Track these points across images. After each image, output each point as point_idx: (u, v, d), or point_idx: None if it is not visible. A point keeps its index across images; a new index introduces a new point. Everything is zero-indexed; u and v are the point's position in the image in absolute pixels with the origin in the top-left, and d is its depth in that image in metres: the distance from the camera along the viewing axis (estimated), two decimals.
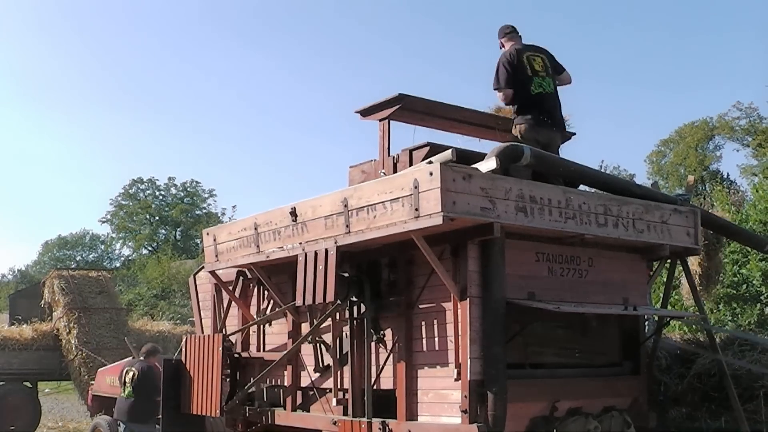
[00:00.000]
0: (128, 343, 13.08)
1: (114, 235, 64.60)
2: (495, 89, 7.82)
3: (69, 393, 22.14)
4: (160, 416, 9.41)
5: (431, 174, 5.94)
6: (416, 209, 6.04)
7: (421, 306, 6.76)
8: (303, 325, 7.98)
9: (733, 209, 15.06)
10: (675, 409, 8.00)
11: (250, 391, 8.48)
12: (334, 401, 7.38)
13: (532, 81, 7.73)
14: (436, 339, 6.57)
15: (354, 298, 7.12)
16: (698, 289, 9.12)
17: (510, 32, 8.04)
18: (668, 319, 8.44)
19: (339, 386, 7.40)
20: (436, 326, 6.59)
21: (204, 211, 60.66)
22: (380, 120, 7.87)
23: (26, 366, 17.06)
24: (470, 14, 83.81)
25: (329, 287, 6.83)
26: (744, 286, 13.61)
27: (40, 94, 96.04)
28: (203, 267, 9.37)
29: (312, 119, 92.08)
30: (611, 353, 7.58)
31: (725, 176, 39.91)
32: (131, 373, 10.83)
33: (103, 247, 68.48)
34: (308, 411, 7.91)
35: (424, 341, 6.69)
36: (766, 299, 13.43)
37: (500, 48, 8.07)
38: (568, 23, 76.35)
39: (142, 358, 11.07)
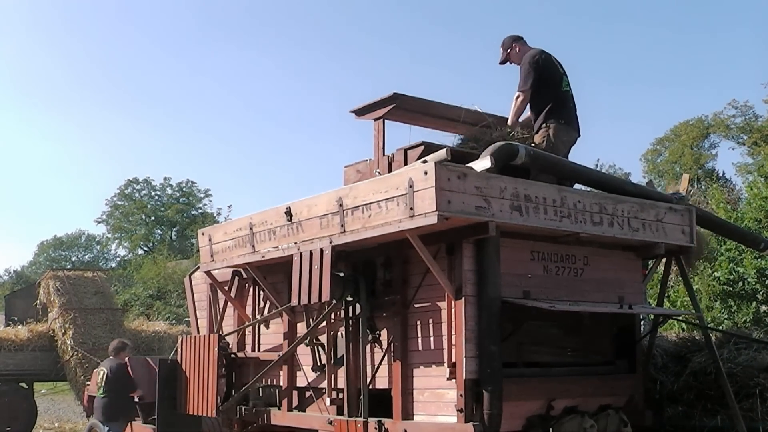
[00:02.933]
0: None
1: (110, 236, 64.46)
2: (522, 90, 7.67)
3: (65, 394, 22.08)
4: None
5: (426, 173, 5.95)
6: (411, 208, 6.04)
7: (416, 305, 6.76)
8: (299, 325, 7.98)
9: (729, 207, 15.07)
10: (671, 407, 8.00)
11: (246, 391, 8.47)
12: (328, 401, 7.39)
13: (562, 79, 7.78)
14: (432, 338, 6.58)
15: (349, 298, 7.12)
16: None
17: (522, 38, 8.00)
18: (662, 318, 8.43)
19: (333, 386, 7.40)
20: (431, 325, 6.59)
21: (200, 211, 60.54)
22: (375, 119, 7.88)
23: (22, 367, 17.00)
24: (465, 13, 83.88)
25: (324, 287, 6.83)
26: (739, 284, 13.60)
27: (36, 93, 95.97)
28: (199, 267, 9.37)
29: (307, 119, 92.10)
30: (607, 352, 7.59)
31: (721, 174, 39.93)
32: (101, 373, 10.83)
33: (98, 247, 68.37)
34: (304, 411, 7.90)
35: (420, 340, 6.70)
36: (762, 297, 13.43)
37: (506, 59, 8.02)
38: (562, 20, 76.44)
39: (111, 356, 11.08)
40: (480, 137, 7.45)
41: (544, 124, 7.62)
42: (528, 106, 7.81)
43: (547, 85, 7.68)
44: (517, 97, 7.73)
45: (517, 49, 7.94)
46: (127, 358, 10.86)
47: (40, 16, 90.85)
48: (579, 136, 7.95)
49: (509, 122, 7.76)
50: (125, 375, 10.59)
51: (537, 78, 7.63)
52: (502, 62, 8.08)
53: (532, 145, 7.39)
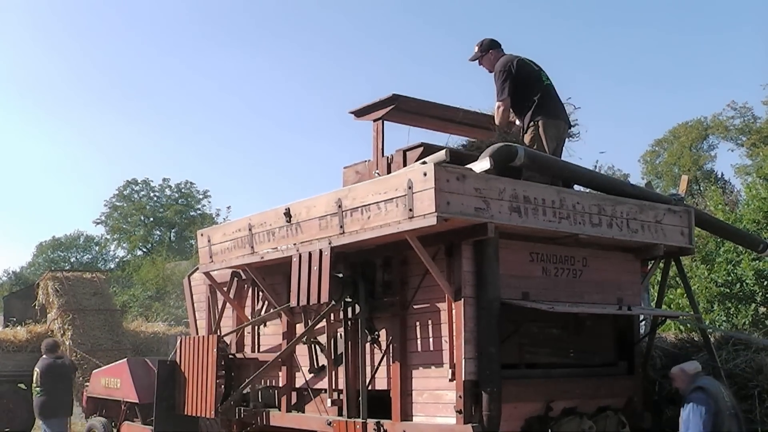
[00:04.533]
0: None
1: (108, 237, 64.29)
2: (501, 100, 7.68)
3: None
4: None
5: (425, 174, 5.95)
6: (410, 210, 6.04)
7: (415, 306, 6.76)
8: (298, 325, 7.98)
9: (727, 209, 15.10)
10: (670, 408, 7.99)
11: (244, 392, 8.47)
12: (328, 402, 7.39)
13: (540, 74, 7.78)
14: (431, 339, 6.58)
15: (348, 299, 7.12)
16: None
17: (499, 45, 7.98)
18: (662, 319, 8.43)
19: (333, 387, 7.40)
20: (430, 326, 6.59)
21: (198, 212, 60.42)
22: (374, 120, 7.89)
23: (21, 368, 16.96)
24: (464, 14, 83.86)
25: (323, 288, 6.83)
26: (738, 286, 13.62)
27: (34, 95, 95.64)
28: (198, 268, 9.37)
29: (306, 120, 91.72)
30: (606, 353, 7.59)
31: (719, 176, 39.95)
32: (36, 373, 11.28)
33: (97, 248, 68.18)
34: (303, 412, 7.90)
35: (419, 341, 6.70)
36: (761, 299, 13.44)
37: (478, 58, 7.99)
38: (561, 22, 76.37)
39: (45, 355, 11.47)
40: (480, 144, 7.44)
41: (531, 123, 7.63)
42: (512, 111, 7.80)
43: (526, 86, 7.69)
44: (498, 107, 7.74)
45: (492, 55, 7.92)
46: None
47: (38, 17, 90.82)
48: (570, 126, 7.94)
49: (497, 131, 7.67)
50: (56, 370, 11.16)
51: (513, 83, 7.64)
52: (473, 60, 8.04)
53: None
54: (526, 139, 7.58)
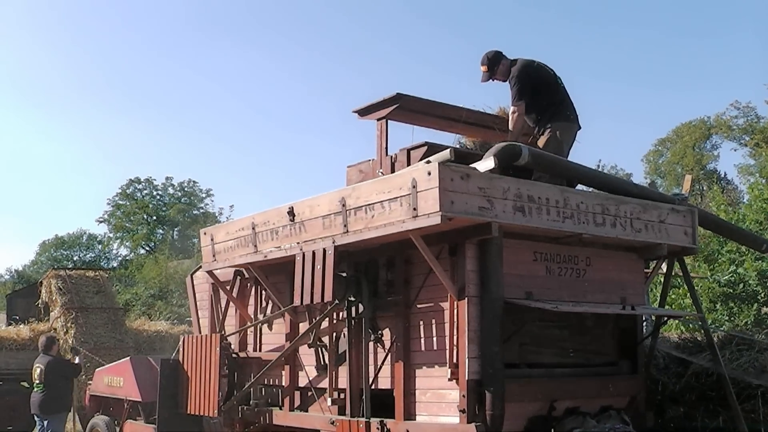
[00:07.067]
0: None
1: (111, 235, 64.34)
2: (516, 105, 7.67)
3: None
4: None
5: (429, 173, 5.95)
6: (414, 209, 6.04)
7: (419, 305, 6.76)
8: (301, 325, 7.98)
9: (730, 209, 15.06)
10: (673, 408, 8.00)
11: (247, 391, 8.47)
12: (329, 401, 7.39)
13: (556, 77, 7.82)
14: (434, 338, 6.58)
15: (352, 298, 7.12)
16: None
17: (503, 54, 7.91)
18: (666, 319, 8.42)
19: (335, 386, 7.40)
20: (434, 326, 6.59)
21: (201, 210, 60.49)
22: (378, 119, 7.89)
23: (23, 366, 16.97)
24: (468, 14, 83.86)
25: (327, 287, 6.84)
26: (741, 286, 13.59)
27: (37, 94, 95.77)
28: (200, 267, 9.38)
29: (310, 119, 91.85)
30: (609, 353, 7.59)
31: (722, 176, 39.98)
32: (38, 370, 11.45)
33: (100, 246, 68.24)
34: (306, 411, 7.90)
35: (422, 341, 6.70)
36: (763, 299, 13.42)
37: (491, 77, 7.92)
38: (565, 21, 76.41)
39: (43, 352, 11.66)
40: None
41: (549, 125, 7.62)
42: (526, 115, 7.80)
43: (543, 89, 7.71)
44: (513, 113, 7.75)
45: (503, 65, 7.87)
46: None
47: (39, 17, 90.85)
48: (580, 128, 7.95)
49: (510, 137, 7.67)
50: (61, 368, 11.46)
51: (530, 88, 7.65)
52: (486, 81, 7.95)
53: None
54: (542, 141, 7.58)
